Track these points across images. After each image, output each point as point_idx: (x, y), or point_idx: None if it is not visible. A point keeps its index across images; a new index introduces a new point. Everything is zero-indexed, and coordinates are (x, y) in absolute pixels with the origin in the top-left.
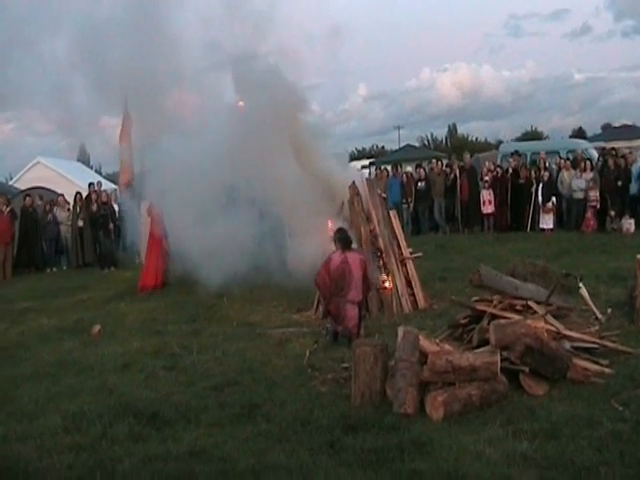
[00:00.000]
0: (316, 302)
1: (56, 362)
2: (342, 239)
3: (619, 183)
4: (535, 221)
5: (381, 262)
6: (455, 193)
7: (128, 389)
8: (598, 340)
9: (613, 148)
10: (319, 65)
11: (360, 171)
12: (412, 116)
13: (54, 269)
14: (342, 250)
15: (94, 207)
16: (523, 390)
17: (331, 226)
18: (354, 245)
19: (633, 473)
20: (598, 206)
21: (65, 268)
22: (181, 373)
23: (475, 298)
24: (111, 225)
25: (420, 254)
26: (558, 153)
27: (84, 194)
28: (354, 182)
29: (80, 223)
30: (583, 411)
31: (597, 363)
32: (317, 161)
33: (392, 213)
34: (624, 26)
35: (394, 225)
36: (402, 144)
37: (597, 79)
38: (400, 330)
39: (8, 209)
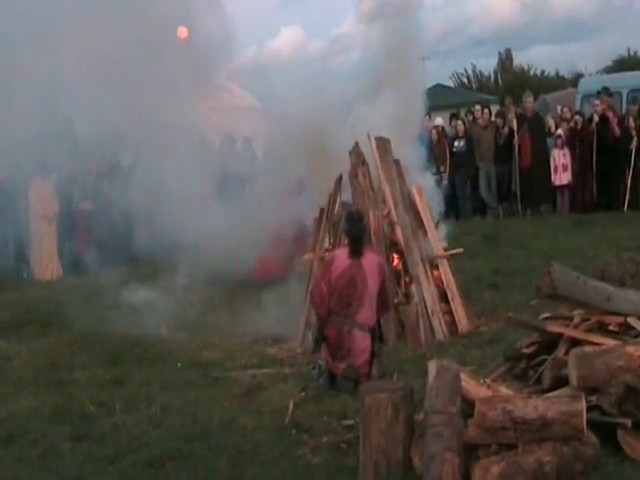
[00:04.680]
0: (303, 327)
1: None
2: (352, 233)
3: None
4: (637, 196)
5: (400, 263)
6: (512, 156)
7: (14, 474)
8: None
9: None
10: None
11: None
12: (444, 42)
13: None
14: (352, 250)
15: None
16: (624, 454)
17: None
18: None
19: None
20: None
21: None
22: (97, 444)
23: (545, 315)
24: None
25: (460, 250)
26: None
27: None
28: (357, 145)
29: None
30: None
31: None
32: None
33: (416, 189)
34: None
35: (419, 207)
36: (429, 84)
37: None
38: (432, 366)
39: None
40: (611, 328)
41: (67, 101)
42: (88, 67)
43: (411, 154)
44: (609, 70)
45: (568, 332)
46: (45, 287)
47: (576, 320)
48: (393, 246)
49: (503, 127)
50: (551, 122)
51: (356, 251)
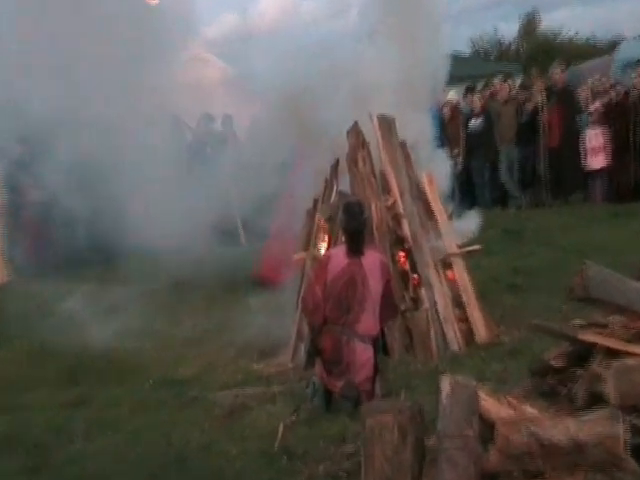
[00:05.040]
0: (294, 338)
1: None
2: (351, 228)
3: None
4: None
5: (407, 263)
6: (537, 136)
7: None
8: None
9: None
10: None
11: None
12: (456, 3)
13: None
14: (351, 247)
15: None
16: None
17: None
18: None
19: None
20: None
21: None
22: (54, 477)
23: (577, 322)
24: None
25: (477, 247)
26: None
27: None
28: (356, 124)
29: None
30: None
31: None
32: None
33: (426, 175)
34: None
35: (429, 197)
36: None
37: None
38: (445, 382)
39: None
40: None
41: (20, 78)
42: (44, 36)
43: (421, 126)
44: None
45: (603, 341)
46: None
47: (612, 328)
48: (399, 242)
49: (526, 102)
50: (583, 96)
51: (355, 249)
